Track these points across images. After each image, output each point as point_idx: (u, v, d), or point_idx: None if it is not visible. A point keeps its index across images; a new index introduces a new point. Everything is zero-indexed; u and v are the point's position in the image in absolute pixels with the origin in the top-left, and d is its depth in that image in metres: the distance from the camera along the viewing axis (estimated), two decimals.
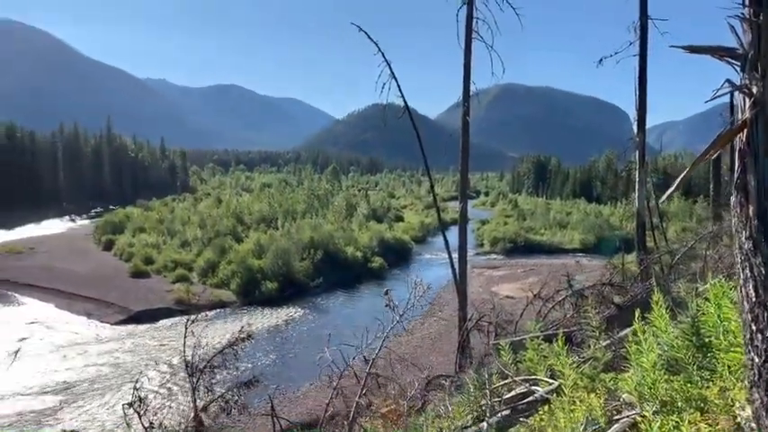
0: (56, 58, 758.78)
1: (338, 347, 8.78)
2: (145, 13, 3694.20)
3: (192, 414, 7.99)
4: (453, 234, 18.53)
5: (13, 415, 18.17)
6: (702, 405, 3.22)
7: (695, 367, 3.56)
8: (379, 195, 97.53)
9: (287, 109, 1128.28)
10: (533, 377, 4.92)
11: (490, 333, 10.96)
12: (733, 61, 2.63)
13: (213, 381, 8.46)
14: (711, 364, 3.62)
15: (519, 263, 46.01)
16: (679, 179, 3.00)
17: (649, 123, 17.22)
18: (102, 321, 28.68)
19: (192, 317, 8.99)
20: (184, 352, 8.21)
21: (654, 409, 3.26)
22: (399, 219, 70.18)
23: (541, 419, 3.89)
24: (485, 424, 4.39)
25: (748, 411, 2.85)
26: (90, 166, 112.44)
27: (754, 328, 2.58)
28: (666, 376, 3.44)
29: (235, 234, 45.60)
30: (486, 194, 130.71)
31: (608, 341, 5.44)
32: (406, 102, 16.28)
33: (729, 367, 3.39)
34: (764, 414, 2.58)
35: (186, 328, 8.53)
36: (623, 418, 3.46)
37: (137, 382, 8.17)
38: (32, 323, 28.30)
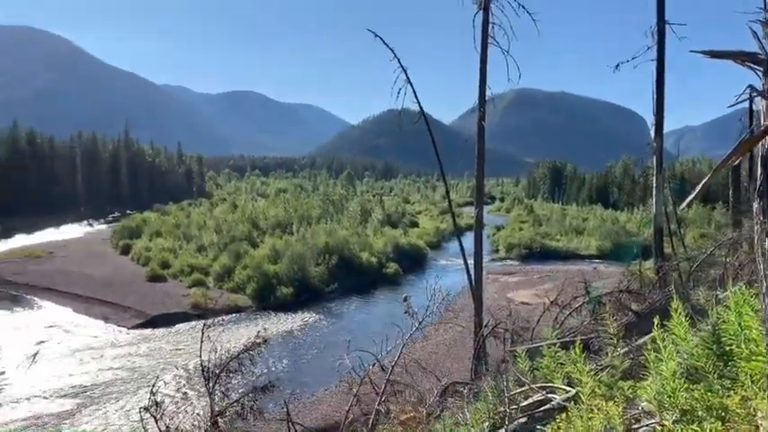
0: (75, 65, 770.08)
1: (356, 354, 8.76)
2: (166, 22, 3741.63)
3: (209, 418, 8.00)
4: (468, 240, 18.48)
5: (30, 417, 18.38)
6: (723, 414, 3.17)
7: (716, 376, 3.51)
8: (394, 201, 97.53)
9: (302, 114, 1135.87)
10: (550, 384, 4.88)
11: (506, 340, 10.86)
12: (755, 66, 2.60)
13: (228, 385, 8.47)
14: (732, 372, 3.55)
15: (534, 269, 45.80)
16: (700, 186, 2.96)
17: (666, 128, 17.00)
18: (119, 325, 28.95)
19: (208, 321, 9.02)
20: (201, 356, 8.23)
21: (674, 418, 3.22)
22: (414, 224, 69.91)
23: (559, 427, 3.84)
24: (503, 431, 4.36)
25: None
26: (107, 172, 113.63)
27: None
28: (686, 385, 3.38)
29: (250, 239, 45.79)
30: (502, 200, 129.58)
31: (626, 349, 5.39)
32: (421, 107, 16.26)
33: (751, 376, 3.33)
34: None
35: (202, 333, 8.56)
36: (642, 426, 3.42)
37: (153, 386, 8.20)
38: (51, 327, 28.65)
